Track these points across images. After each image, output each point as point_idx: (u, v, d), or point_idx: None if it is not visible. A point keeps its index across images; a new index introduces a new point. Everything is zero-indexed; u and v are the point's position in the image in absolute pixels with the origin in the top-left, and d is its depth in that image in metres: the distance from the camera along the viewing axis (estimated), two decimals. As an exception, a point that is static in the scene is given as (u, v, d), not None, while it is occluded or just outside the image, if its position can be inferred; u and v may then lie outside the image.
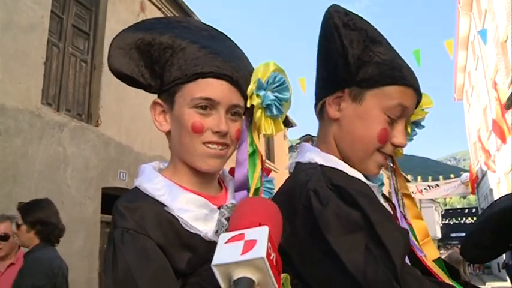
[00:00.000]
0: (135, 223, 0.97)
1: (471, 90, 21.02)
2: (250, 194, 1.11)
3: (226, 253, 0.75)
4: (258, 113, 1.11)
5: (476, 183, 20.02)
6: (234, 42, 1.26)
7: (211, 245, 0.95)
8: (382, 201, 1.10)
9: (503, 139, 10.72)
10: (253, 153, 1.16)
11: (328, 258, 0.89)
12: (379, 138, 1.07)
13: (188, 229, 1.01)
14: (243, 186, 1.14)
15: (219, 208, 1.07)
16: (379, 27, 1.17)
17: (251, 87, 1.10)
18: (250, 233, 0.78)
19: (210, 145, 1.06)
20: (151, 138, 7.90)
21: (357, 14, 1.14)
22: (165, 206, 1.03)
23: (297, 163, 1.11)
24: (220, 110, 1.06)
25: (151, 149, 7.87)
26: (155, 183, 1.06)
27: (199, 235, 1.01)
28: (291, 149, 25.55)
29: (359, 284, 0.85)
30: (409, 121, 1.17)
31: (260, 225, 0.79)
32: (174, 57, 1.08)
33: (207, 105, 1.05)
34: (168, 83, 1.09)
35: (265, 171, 1.23)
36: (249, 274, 0.72)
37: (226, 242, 0.78)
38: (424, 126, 1.26)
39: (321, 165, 1.04)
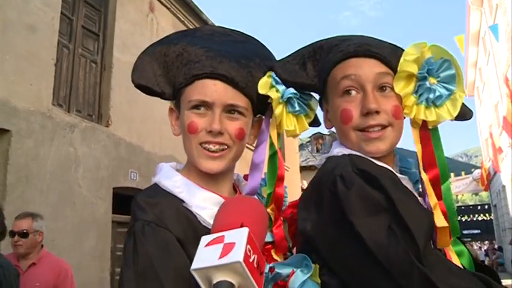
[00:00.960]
0: (155, 216, 0.98)
1: (482, 86, 20.79)
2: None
3: (204, 257, 0.75)
4: (279, 108, 1.12)
5: (489, 180, 19.82)
6: (253, 43, 1.26)
7: None
8: (415, 194, 1.06)
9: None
10: (274, 155, 1.17)
11: (352, 240, 0.90)
12: (342, 120, 1.08)
13: (206, 225, 1.01)
14: (255, 191, 1.14)
15: None
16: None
17: (265, 80, 1.12)
18: (229, 235, 0.77)
19: (206, 145, 1.07)
20: (161, 138, 7.92)
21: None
22: (184, 202, 1.05)
23: (327, 157, 1.12)
24: (216, 110, 1.07)
25: (161, 149, 7.90)
26: (174, 180, 1.08)
27: None
28: (302, 147, 25.60)
29: (382, 265, 0.85)
30: (388, 81, 1.07)
31: (242, 226, 0.79)
32: (183, 64, 1.12)
33: (202, 105, 1.08)
34: (176, 89, 1.13)
35: None
36: (228, 278, 0.72)
37: (206, 245, 0.77)
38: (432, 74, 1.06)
39: (349, 154, 1.06)
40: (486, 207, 24.53)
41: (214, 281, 0.73)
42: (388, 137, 1.05)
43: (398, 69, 1.05)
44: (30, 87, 5.44)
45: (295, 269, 0.96)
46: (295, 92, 1.12)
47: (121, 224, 7.16)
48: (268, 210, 1.14)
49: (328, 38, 1.17)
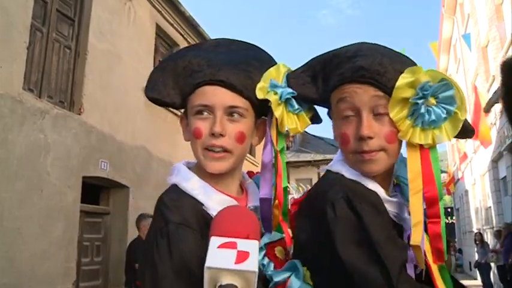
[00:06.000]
0: (183, 218, 1.07)
1: (451, 92, 21.29)
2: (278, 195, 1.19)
3: (219, 258, 0.81)
4: (279, 110, 1.18)
5: (452, 184, 20.44)
6: (254, 49, 1.33)
7: None
8: (405, 214, 1.14)
9: (486, 144, 10.86)
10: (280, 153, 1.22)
11: (335, 265, 1.00)
12: (341, 143, 1.15)
13: None
14: (270, 191, 1.20)
15: None
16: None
17: (262, 85, 1.18)
18: (242, 244, 0.84)
19: (210, 147, 1.15)
20: (134, 128, 7.83)
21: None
22: (202, 204, 1.13)
23: (327, 170, 1.19)
24: (217, 113, 1.15)
25: (134, 139, 7.80)
26: (192, 182, 1.16)
27: None
28: (273, 144, 25.64)
29: None
30: (383, 104, 1.09)
31: (249, 237, 0.86)
32: (187, 75, 1.21)
33: (204, 110, 1.16)
34: (184, 99, 1.22)
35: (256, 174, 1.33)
36: (235, 282, 0.79)
37: (218, 247, 0.84)
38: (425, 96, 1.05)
39: (344, 177, 1.12)
40: (449, 210, 25.29)
41: (223, 283, 0.79)
42: (380, 159, 1.10)
43: (392, 95, 1.07)
44: (0, 70, 5.28)
45: (290, 275, 1.07)
46: (293, 91, 1.17)
47: (89, 214, 7.06)
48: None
49: (339, 50, 1.18)
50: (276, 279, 1.08)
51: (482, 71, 13.06)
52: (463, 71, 16.68)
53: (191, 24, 10.06)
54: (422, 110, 1.05)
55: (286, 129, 1.20)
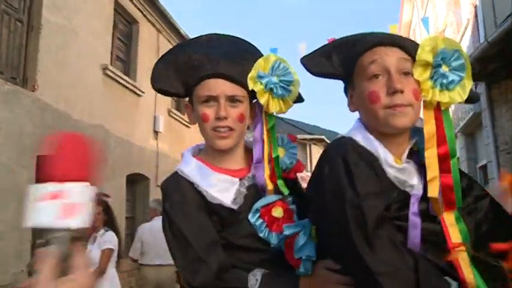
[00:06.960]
0: (179, 197, 1.39)
1: (410, 75, 21.81)
2: (265, 163, 1.42)
3: (41, 213, 0.71)
4: (264, 97, 1.41)
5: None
6: (241, 42, 1.56)
7: (230, 211, 1.39)
8: (414, 181, 1.25)
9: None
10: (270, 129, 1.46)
11: (325, 209, 1.19)
12: (370, 100, 1.25)
13: (213, 201, 1.38)
14: (260, 160, 1.44)
15: (240, 179, 1.44)
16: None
17: (251, 76, 1.39)
18: (70, 192, 0.73)
19: (217, 129, 1.41)
20: (91, 106, 7.60)
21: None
22: (196, 184, 1.40)
23: (341, 136, 1.32)
24: (220, 101, 1.40)
25: (91, 117, 7.58)
26: (190, 166, 1.45)
27: (221, 204, 1.38)
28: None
29: (346, 233, 1.11)
30: (409, 67, 1.25)
31: (81, 179, 0.76)
32: (189, 69, 1.44)
33: (210, 99, 1.41)
34: (189, 89, 1.47)
35: (291, 137, 1.54)
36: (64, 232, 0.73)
37: (40, 200, 0.73)
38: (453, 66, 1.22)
39: (351, 139, 1.25)
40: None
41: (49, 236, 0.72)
42: (409, 113, 1.22)
43: (416, 58, 1.24)
44: None
45: (299, 231, 1.26)
46: (275, 81, 1.39)
47: (44, 194, 6.85)
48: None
49: (352, 34, 1.39)
50: (286, 232, 1.28)
51: (440, 55, 13.39)
52: (422, 54, 17.04)
53: (151, 1, 9.79)
54: (441, 71, 1.21)
55: (273, 111, 1.42)
